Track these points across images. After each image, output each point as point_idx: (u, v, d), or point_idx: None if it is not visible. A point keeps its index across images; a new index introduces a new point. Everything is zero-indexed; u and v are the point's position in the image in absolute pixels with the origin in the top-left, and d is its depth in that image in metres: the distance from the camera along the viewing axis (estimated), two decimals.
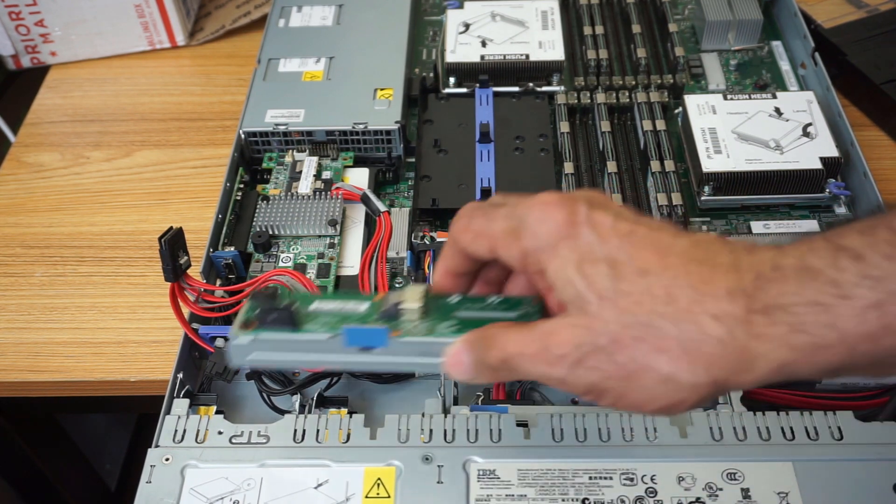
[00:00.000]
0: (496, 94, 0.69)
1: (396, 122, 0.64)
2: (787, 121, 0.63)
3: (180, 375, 0.51)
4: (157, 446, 0.47)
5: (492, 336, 0.36)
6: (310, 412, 0.50)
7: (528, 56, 0.70)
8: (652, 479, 0.45)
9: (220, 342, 0.53)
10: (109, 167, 0.73)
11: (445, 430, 0.47)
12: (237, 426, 0.48)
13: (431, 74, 0.73)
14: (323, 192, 0.60)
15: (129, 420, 1.09)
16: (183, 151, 0.74)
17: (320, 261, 0.57)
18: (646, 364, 0.32)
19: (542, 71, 0.70)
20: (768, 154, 0.61)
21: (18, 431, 0.73)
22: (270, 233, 0.58)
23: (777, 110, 0.64)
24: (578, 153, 0.65)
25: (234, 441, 0.48)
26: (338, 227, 0.58)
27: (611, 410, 0.47)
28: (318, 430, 0.48)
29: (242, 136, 0.65)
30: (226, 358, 0.53)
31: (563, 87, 0.70)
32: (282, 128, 0.65)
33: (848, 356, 0.30)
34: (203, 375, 0.54)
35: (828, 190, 0.61)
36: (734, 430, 0.47)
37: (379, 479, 0.46)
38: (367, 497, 0.45)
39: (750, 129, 0.63)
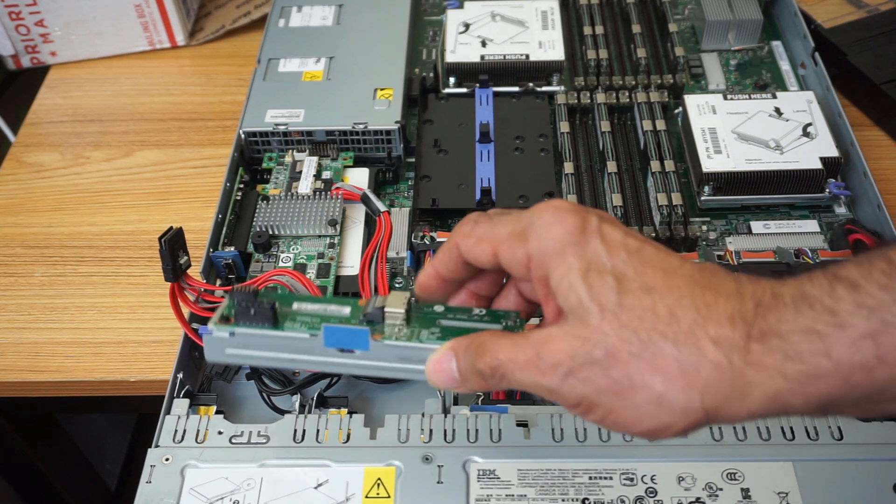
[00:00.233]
0: (496, 94, 0.69)
1: (396, 122, 0.64)
2: (787, 121, 0.63)
3: (180, 375, 0.51)
4: (157, 446, 0.47)
5: (483, 342, 0.35)
6: (310, 412, 0.50)
7: (528, 56, 0.70)
8: (652, 479, 0.45)
9: None
10: (109, 167, 0.73)
11: (445, 430, 0.47)
12: (237, 426, 0.48)
13: (431, 74, 0.73)
14: (323, 192, 0.60)
15: (129, 420, 1.09)
16: (183, 151, 0.74)
17: (320, 261, 0.57)
18: (640, 382, 0.32)
19: (542, 71, 0.70)
20: (768, 154, 0.61)
21: (18, 431, 0.73)
22: (270, 233, 0.58)
23: (777, 110, 0.64)
24: (578, 153, 0.65)
25: (234, 441, 0.48)
26: (338, 227, 0.58)
27: None
28: (318, 430, 0.48)
29: (242, 136, 0.65)
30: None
31: (563, 87, 0.70)
32: (282, 128, 0.65)
33: (842, 387, 0.30)
34: (203, 375, 0.54)
35: (828, 190, 0.61)
36: (734, 429, 0.47)
37: (379, 479, 0.46)
38: (367, 497, 0.45)
39: (750, 129, 0.63)
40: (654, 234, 0.59)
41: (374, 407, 0.52)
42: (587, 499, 0.45)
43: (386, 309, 0.38)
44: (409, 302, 0.38)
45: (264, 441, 0.47)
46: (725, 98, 0.66)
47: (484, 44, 0.72)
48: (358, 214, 0.60)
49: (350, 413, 0.49)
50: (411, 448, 0.47)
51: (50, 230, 0.68)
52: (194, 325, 0.52)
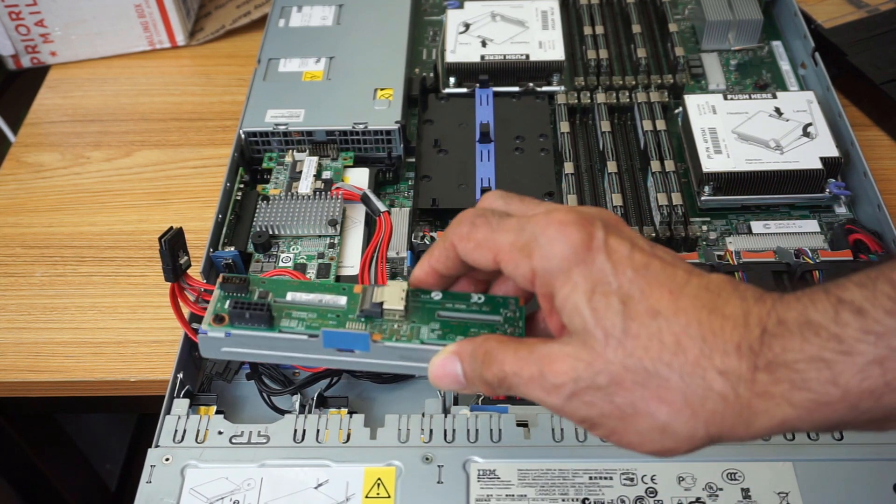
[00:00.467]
0: (496, 94, 0.69)
1: (396, 122, 0.64)
2: (788, 121, 0.63)
3: (180, 375, 0.51)
4: (157, 446, 0.47)
5: (489, 352, 0.35)
6: (310, 412, 0.50)
7: (528, 56, 0.70)
8: (652, 479, 0.45)
9: None
10: (109, 167, 0.73)
11: (445, 430, 0.47)
12: (237, 426, 0.48)
13: (431, 74, 0.73)
14: (323, 192, 0.60)
15: (129, 420, 1.09)
16: (183, 151, 0.74)
17: (320, 261, 0.57)
18: (644, 410, 0.31)
19: (542, 71, 0.70)
20: (768, 154, 0.61)
21: (18, 431, 0.73)
22: (270, 233, 0.58)
23: (777, 110, 0.64)
24: (578, 153, 0.65)
25: (234, 441, 0.48)
26: (338, 227, 0.58)
27: None
28: (318, 430, 0.48)
29: (242, 136, 0.65)
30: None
31: (563, 87, 0.70)
32: (282, 128, 0.65)
33: (849, 413, 0.30)
34: (203, 375, 0.54)
35: (828, 190, 0.61)
36: None
37: (379, 479, 0.46)
38: (367, 497, 0.45)
39: (750, 129, 0.63)
40: (654, 234, 0.59)
41: (374, 407, 0.52)
42: (587, 499, 0.45)
43: (385, 307, 0.38)
44: (406, 293, 0.38)
45: (264, 441, 0.47)
46: (725, 98, 0.66)
47: (484, 44, 0.72)
48: (358, 214, 0.60)
49: (350, 413, 0.49)
50: (411, 448, 0.47)
51: (50, 230, 0.68)
52: (194, 325, 0.52)
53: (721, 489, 0.45)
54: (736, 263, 0.56)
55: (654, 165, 0.62)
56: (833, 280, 0.31)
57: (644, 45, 0.73)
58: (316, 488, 0.45)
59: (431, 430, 0.48)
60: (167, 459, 0.47)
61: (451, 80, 0.71)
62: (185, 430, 0.48)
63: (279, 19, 0.76)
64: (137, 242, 0.67)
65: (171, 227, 0.50)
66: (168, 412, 0.49)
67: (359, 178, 0.63)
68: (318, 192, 0.61)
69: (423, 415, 0.48)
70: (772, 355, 0.30)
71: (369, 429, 0.48)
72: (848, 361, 0.29)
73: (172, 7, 0.81)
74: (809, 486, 0.44)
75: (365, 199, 0.60)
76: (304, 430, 0.48)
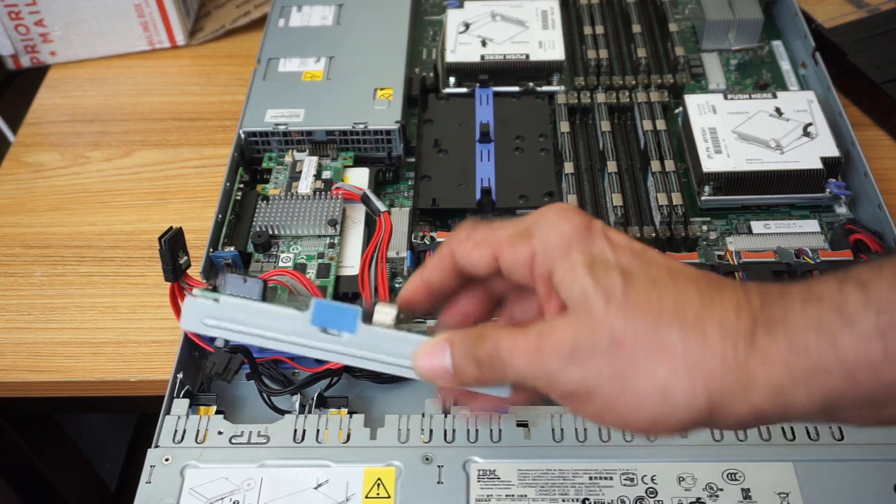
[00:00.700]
0: (496, 94, 0.69)
1: (396, 122, 0.64)
2: (788, 121, 0.63)
3: (180, 375, 0.51)
4: (157, 446, 0.47)
5: (483, 332, 0.35)
6: (310, 412, 0.50)
7: (528, 56, 0.70)
8: (652, 480, 0.45)
9: (219, 342, 0.52)
10: (109, 167, 0.73)
11: (445, 431, 0.47)
12: (237, 426, 0.48)
13: (431, 74, 0.73)
14: (323, 192, 0.60)
15: (129, 420, 1.09)
16: (183, 151, 0.74)
17: (320, 261, 0.57)
18: (644, 369, 0.31)
19: (542, 71, 0.70)
20: (769, 154, 0.61)
21: (18, 431, 0.73)
22: (270, 233, 0.58)
23: (777, 110, 0.64)
24: (578, 153, 0.65)
25: (234, 441, 0.48)
26: (338, 227, 0.58)
27: None
28: (318, 430, 0.48)
29: (242, 135, 0.65)
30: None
31: (563, 87, 0.70)
32: (282, 128, 0.65)
33: (847, 385, 0.30)
34: (203, 375, 0.54)
35: (828, 190, 0.61)
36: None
37: (379, 479, 0.46)
38: (367, 497, 0.45)
39: (750, 128, 0.63)
40: (654, 234, 0.59)
41: (374, 407, 0.52)
42: (587, 499, 0.45)
43: (377, 306, 0.38)
44: (397, 317, 0.38)
45: (264, 441, 0.47)
46: (726, 98, 0.66)
47: (484, 43, 0.72)
48: (358, 214, 0.60)
49: (350, 413, 0.49)
50: (411, 448, 0.47)
51: (50, 230, 0.68)
52: None
53: (721, 489, 0.45)
54: (736, 263, 0.56)
55: (655, 165, 0.62)
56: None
57: (644, 44, 0.73)
58: (316, 488, 0.45)
59: (431, 431, 0.48)
60: (167, 459, 0.47)
61: (451, 79, 0.71)
62: (184, 431, 0.48)
63: (279, 19, 0.76)
64: (137, 242, 0.67)
65: (171, 227, 0.50)
66: (168, 412, 0.49)
67: (359, 177, 0.63)
68: (317, 192, 0.61)
69: (423, 415, 0.48)
70: (771, 316, 0.31)
71: (369, 429, 0.48)
72: (848, 330, 0.30)
73: (172, 7, 0.81)
74: (810, 487, 0.44)
75: (365, 199, 0.60)
76: (304, 431, 0.48)
